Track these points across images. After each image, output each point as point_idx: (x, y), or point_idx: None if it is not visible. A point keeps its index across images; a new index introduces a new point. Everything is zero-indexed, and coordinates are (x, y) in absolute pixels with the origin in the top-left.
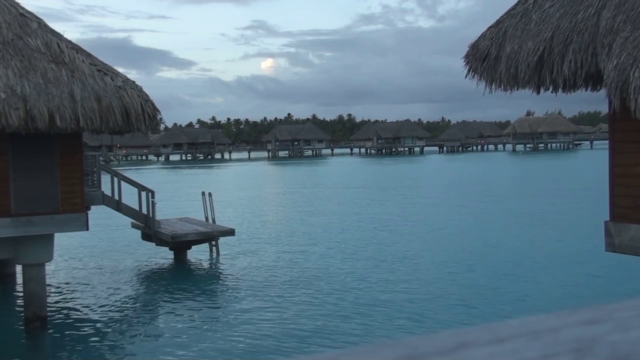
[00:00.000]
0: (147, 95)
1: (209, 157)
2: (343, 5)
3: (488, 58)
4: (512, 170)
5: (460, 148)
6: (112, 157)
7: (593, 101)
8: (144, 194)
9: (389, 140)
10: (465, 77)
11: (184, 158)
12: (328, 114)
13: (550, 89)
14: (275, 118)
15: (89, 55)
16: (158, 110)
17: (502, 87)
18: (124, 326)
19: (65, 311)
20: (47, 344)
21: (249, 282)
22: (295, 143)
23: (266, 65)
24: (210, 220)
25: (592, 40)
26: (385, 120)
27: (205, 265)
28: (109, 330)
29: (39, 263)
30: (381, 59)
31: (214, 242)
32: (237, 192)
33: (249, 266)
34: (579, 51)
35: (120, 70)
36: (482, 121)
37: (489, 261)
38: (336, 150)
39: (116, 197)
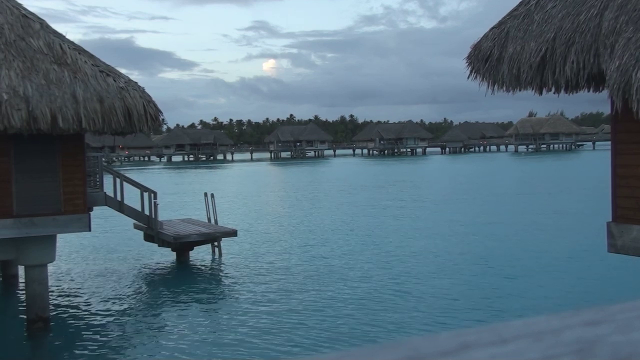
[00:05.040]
0: (149, 96)
1: (212, 158)
2: (345, 6)
3: (490, 59)
4: (515, 171)
5: (462, 149)
6: (114, 158)
7: (595, 102)
8: (146, 195)
9: (391, 141)
10: (468, 78)
11: (186, 159)
12: (330, 115)
13: (553, 89)
14: (278, 119)
15: (91, 56)
16: (160, 111)
17: (505, 87)
18: (126, 327)
19: (67, 312)
20: (49, 345)
21: (251, 283)
22: (298, 144)
23: (268, 66)
24: (213, 221)
25: (595, 41)
26: (388, 121)
27: (208, 266)
28: (111, 331)
29: (41, 264)
30: (383, 60)
31: (216, 243)
32: (240, 193)
33: (252, 267)
34: (581, 52)
35: (123, 71)
36: (484, 122)
37: (491, 262)
38: (338, 151)
39: (118, 198)
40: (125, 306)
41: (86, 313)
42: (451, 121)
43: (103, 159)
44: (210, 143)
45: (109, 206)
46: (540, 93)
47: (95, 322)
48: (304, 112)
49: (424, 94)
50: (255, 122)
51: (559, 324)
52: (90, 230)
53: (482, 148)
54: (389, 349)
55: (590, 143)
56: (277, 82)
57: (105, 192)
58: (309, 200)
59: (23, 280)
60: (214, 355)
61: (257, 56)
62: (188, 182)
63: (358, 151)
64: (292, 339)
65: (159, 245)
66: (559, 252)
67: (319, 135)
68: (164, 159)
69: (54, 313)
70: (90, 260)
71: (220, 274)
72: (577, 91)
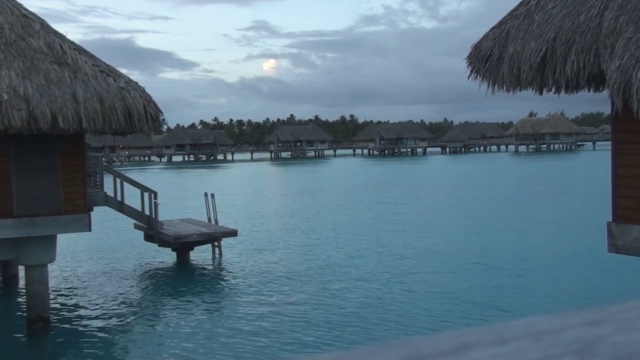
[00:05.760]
0: (149, 96)
1: (212, 158)
2: (345, 6)
3: (490, 59)
4: (515, 171)
5: (462, 149)
6: (114, 158)
7: (596, 102)
8: (146, 195)
9: (392, 141)
10: (468, 78)
11: (186, 159)
12: (330, 115)
13: (553, 89)
14: (278, 119)
15: (91, 56)
16: (160, 111)
17: (505, 88)
18: (127, 327)
19: (67, 312)
20: (49, 344)
21: (251, 283)
22: (298, 144)
23: (269, 66)
24: (213, 221)
25: (595, 41)
26: (388, 121)
27: (208, 266)
28: (112, 331)
29: (41, 264)
30: (383, 60)
31: (216, 243)
32: (240, 193)
33: (252, 267)
34: (582, 52)
35: (123, 71)
36: (484, 122)
37: (491, 261)
38: (339, 151)
39: (119, 198)
40: (126, 306)
41: (86, 313)
42: (451, 121)
43: (103, 159)
44: (210, 143)
45: (109, 206)
46: (541, 93)
47: (96, 322)
48: (304, 112)
49: (424, 94)
50: (256, 122)
51: (559, 324)
52: (90, 230)
53: (482, 148)
54: (389, 349)
55: (591, 143)
56: (277, 82)
57: (105, 192)
58: (309, 200)
59: (23, 280)
60: (215, 355)
61: (257, 56)
62: (188, 182)
63: (358, 151)
64: (292, 339)
65: (159, 245)
66: (559, 252)
67: (319, 135)
68: (164, 159)
69: (55, 313)
70: (91, 260)
71: (221, 274)
72: (578, 91)
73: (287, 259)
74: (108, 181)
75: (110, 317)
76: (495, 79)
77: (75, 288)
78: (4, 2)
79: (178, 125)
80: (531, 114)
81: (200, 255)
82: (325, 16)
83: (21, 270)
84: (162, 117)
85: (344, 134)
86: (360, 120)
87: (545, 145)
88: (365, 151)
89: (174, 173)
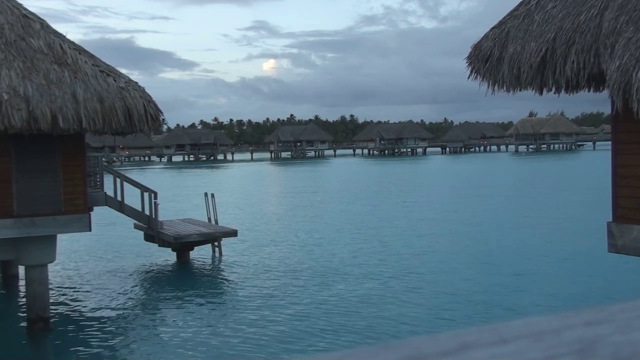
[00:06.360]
0: (149, 96)
1: (212, 158)
2: (345, 6)
3: (490, 59)
4: (515, 171)
5: (462, 149)
6: (114, 158)
7: (596, 102)
8: (146, 195)
9: (392, 141)
10: (468, 78)
11: (186, 159)
12: (331, 115)
13: (553, 89)
14: (278, 119)
15: (91, 56)
16: (160, 111)
17: (505, 88)
18: (127, 327)
19: (68, 312)
20: (49, 345)
21: (251, 283)
22: (298, 144)
23: (269, 66)
24: (213, 221)
25: (595, 41)
26: (388, 121)
27: (208, 266)
28: (112, 331)
29: (41, 264)
30: (384, 60)
31: (216, 243)
32: (240, 193)
33: (252, 267)
34: (582, 52)
35: (123, 71)
36: (484, 122)
37: (492, 261)
38: (339, 151)
39: (119, 198)
40: (126, 306)
41: (87, 313)
42: (451, 121)
43: (103, 159)
44: (210, 143)
45: (109, 206)
46: (541, 93)
47: (96, 322)
48: (304, 112)
49: (424, 94)
50: (256, 122)
51: (559, 323)
52: (90, 230)
53: (482, 148)
54: (389, 349)
55: (591, 143)
56: (277, 82)
57: (105, 192)
58: (309, 199)
59: (23, 280)
60: (214, 355)
61: (257, 56)
62: (188, 182)
63: (358, 151)
64: (293, 339)
65: (159, 245)
66: (559, 252)
67: (319, 135)
68: (164, 159)
69: (55, 313)
70: (91, 261)
71: (221, 274)
72: (578, 91)
73: (287, 259)
74: (108, 181)
75: (110, 317)
76: (495, 79)
77: (76, 288)
78: (4, 2)
79: (178, 125)
80: (531, 114)
81: (200, 255)
82: (325, 16)
83: (21, 270)
84: (162, 117)
85: (344, 134)
86: (360, 120)
87: (545, 145)
88: (365, 151)
89: (174, 173)
